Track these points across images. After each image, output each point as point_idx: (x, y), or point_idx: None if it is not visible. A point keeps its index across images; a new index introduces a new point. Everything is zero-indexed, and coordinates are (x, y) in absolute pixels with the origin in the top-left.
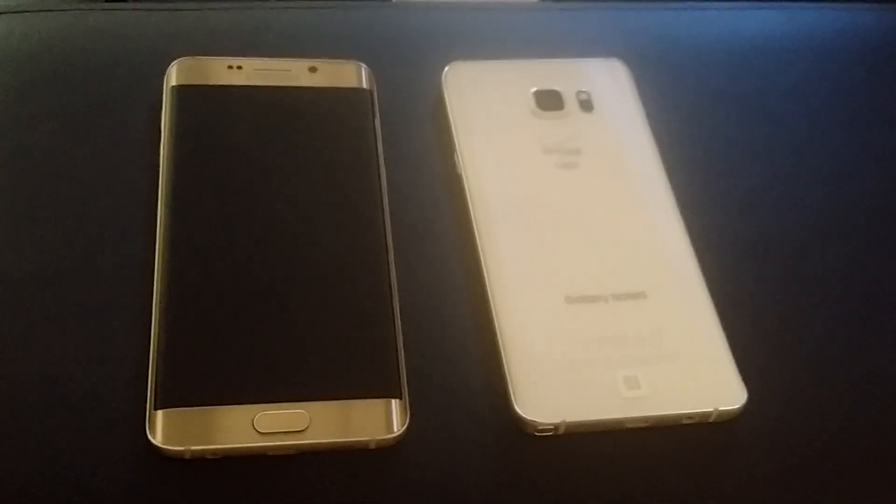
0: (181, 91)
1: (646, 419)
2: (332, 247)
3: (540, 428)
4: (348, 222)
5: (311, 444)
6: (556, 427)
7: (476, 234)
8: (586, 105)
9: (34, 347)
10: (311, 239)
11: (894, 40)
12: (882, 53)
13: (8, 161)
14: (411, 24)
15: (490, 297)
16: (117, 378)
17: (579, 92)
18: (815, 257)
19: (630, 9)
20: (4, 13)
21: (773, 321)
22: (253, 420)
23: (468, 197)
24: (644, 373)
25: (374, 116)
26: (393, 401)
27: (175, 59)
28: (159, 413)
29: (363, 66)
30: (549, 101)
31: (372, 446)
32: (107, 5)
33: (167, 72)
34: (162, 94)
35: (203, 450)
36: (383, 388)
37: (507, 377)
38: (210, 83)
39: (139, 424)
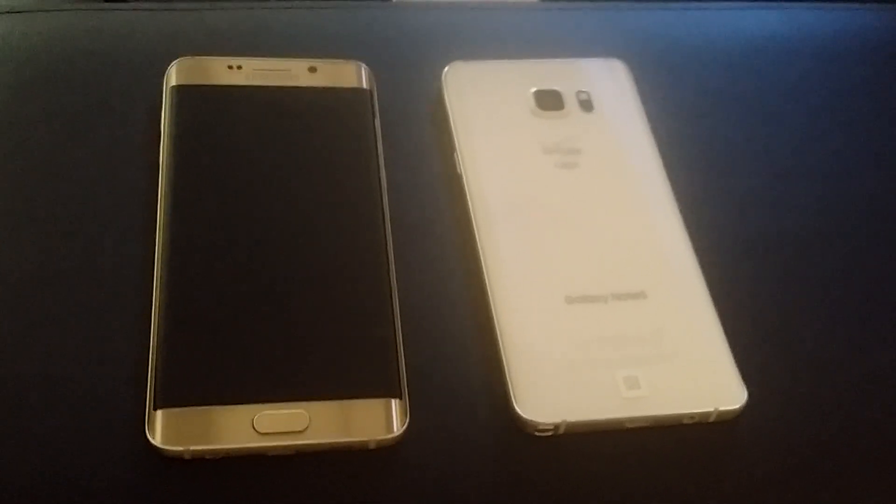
0: (181, 91)
1: (646, 419)
2: (332, 247)
3: (540, 428)
4: (348, 222)
5: (310, 444)
6: (556, 427)
7: (476, 234)
8: (586, 105)
9: (34, 347)
10: (310, 239)
11: (894, 40)
12: (882, 53)
13: (8, 161)
14: (411, 24)
15: (490, 297)
16: (117, 378)
17: (579, 92)
18: (815, 257)
19: (630, 9)
20: (4, 13)
21: (773, 321)
22: (252, 420)
23: (468, 197)
24: (644, 373)
25: (373, 116)
26: (393, 401)
27: (175, 58)
28: (159, 413)
29: (363, 65)
30: (549, 100)
31: (372, 446)
32: (106, 5)
33: (167, 72)
34: (162, 93)
35: (203, 450)
36: (383, 388)
37: (507, 377)
38: (210, 83)
39: (139, 424)
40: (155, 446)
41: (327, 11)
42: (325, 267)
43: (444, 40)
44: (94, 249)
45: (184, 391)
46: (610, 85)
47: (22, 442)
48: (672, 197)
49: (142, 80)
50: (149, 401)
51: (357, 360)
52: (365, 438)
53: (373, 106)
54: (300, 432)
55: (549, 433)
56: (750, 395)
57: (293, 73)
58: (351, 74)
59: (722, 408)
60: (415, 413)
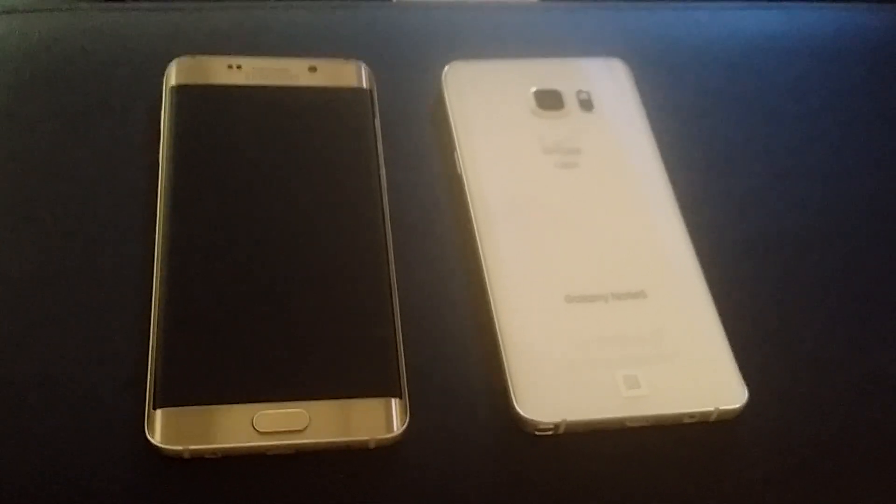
0: (181, 91)
1: (646, 418)
2: (332, 246)
3: (540, 427)
4: (348, 222)
5: (310, 443)
6: (557, 426)
7: (476, 234)
8: (586, 105)
9: (34, 347)
10: (310, 238)
11: (894, 40)
12: (882, 53)
13: (8, 161)
14: (411, 24)
15: (490, 296)
16: (117, 378)
17: (579, 91)
18: (815, 257)
19: (630, 8)
20: (3, 13)
21: (773, 321)
22: (252, 419)
23: (468, 196)
24: (644, 372)
25: (373, 116)
26: (393, 400)
27: (174, 58)
28: (158, 412)
29: (363, 65)
30: (549, 100)
31: (371, 446)
32: (106, 5)
33: (167, 71)
34: (161, 93)
35: (202, 449)
36: (383, 388)
37: (507, 376)
38: (210, 83)
39: (138, 424)
40: (155, 446)
41: (327, 11)
42: (324, 266)
43: (444, 40)
44: (94, 249)
45: (183, 390)
46: (610, 85)
47: (22, 442)
48: (672, 196)
49: (141, 80)
50: (148, 400)
51: (357, 360)
52: (365, 438)
53: (373, 106)
54: (300, 432)
55: (550, 433)
56: (750, 394)
57: (293, 72)
58: (351, 74)
59: (722, 407)
60: (415, 412)
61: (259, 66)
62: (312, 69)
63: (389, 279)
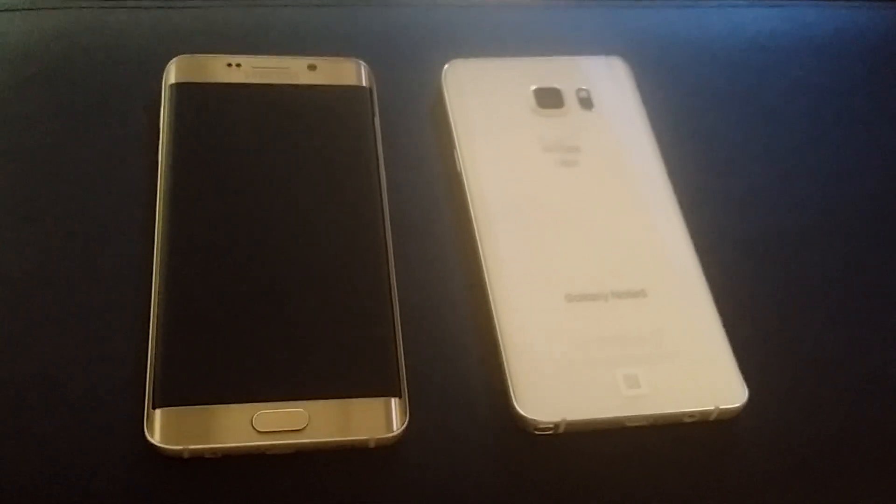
0: (180, 89)
1: (646, 418)
2: (332, 245)
3: (540, 427)
4: (348, 221)
5: (310, 443)
6: (556, 426)
7: (476, 233)
8: (586, 103)
9: (34, 347)
10: (310, 237)
11: (894, 39)
12: (882, 52)
13: (7, 160)
14: (411, 22)
15: (490, 296)
16: (116, 378)
17: (579, 90)
18: (815, 256)
19: (630, 7)
20: (3, 11)
21: (773, 320)
22: (252, 419)
23: (468, 195)
24: (644, 371)
25: (373, 114)
26: (392, 400)
27: (174, 56)
28: (158, 412)
29: (362, 63)
30: (548, 98)
31: (371, 445)
32: (105, 3)
33: (166, 70)
34: (161, 91)
35: (202, 449)
36: (383, 387)
37: (507, 376)
38: (209, 81)
39: (138, 424)
40: (154, 445)
41: (327, 9)
42: (324, 265)
43: (443, 38)
44: (94, 249)
45: (183, 390)
46: (610, 83)
47: (22, 442)
48: (672, 195)
49: (141, 78)
50: (148, 400)
51: (357, 359)
52: (364, 437)
53: (372, 104)
54: (299, 431)
55: (549, 432)
56: (750, 394)
57: (292, 70)
58: (350, 72)
59: (722, 406)
60: (414, 412)
61: (258, 64)
62: (312, 67)
63: (389, 278)
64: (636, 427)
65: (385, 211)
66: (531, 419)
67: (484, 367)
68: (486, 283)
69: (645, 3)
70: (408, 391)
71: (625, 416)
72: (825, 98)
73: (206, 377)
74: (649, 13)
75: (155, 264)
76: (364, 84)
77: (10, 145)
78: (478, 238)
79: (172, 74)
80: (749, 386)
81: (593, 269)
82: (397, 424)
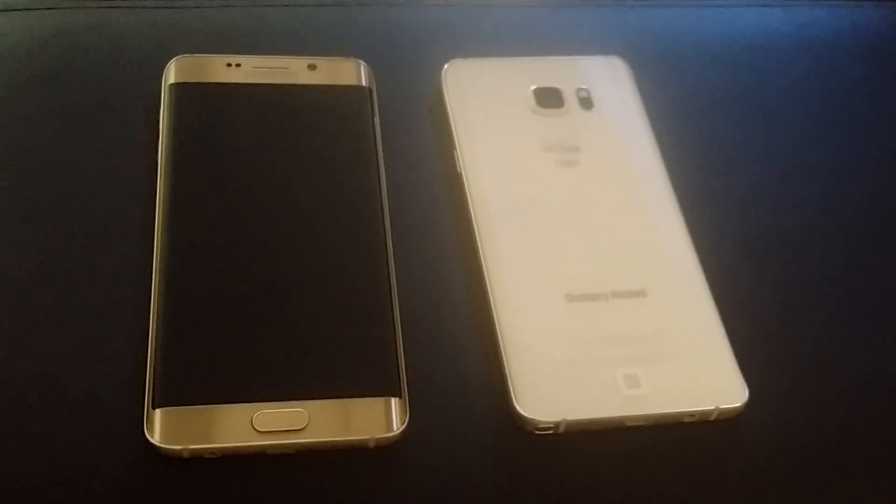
0: (180, 89)
1: (646, 417)
2: (332, 245)
3: (540, 426)
4: (347, 221)
5: (310, 442)
6: (557, 426)
7: (476, 233)
8: (586, 103)
9: (34, 347)
10: (310, 237)
11: (894, 38)
12: (882, 51)
13: (7, 160)
14: (411, 22)
15: (490, 295)
16: (116, 378)
17: (579, 89)
18: (815, 256)
19: (630, 6)
20: (2, 11)
21: (773, 320)
22: (252, 419)
23: (468, 195)
24: (644, 371)
25: (373, 114)
26: (392, 399)
27: (174, 56)
28: (157, 412)
29: (362, 63)
30: (548, 98)
31: (371, 445)
32: (105, 3)
33: (166, 69)
34: (161, 91)
35: (201, 449)
36: (383, 387)
37: (507, 376)
38: (209, 81)
39: (138, 424)
40: (154, 445)
41: (327, 9)
42: (324, 265)
43: (443, 38)
44: (94, 249)
45: (183, 390)
46: (610, 83)
47: (22, 442)
48: (672, 195)
49: (141, 78)
50: (147, 400)
51: (356, 359)
52: (364, 437)
53: (372, 104)
54: (299, 431)
55: (550, 432)
56: (750, 393)
57: (292, 70)
58: (350, 72)
59: (723, 406)
60: (414, 412)
61: (258, 64)
62: (312, 67)
63: (389, 278)
64: (636, 427)
65: (385, 211)
66: (531, 419)
67: (484, 367)
68: (486, 282)
69: (645, 2)
70: (408, 391)
71: (625, 416)
72: (825, 98)
73: (205, 377)
74: (649, 13)
75: (155, 264)
76: (364, 84)
77: (10, 145)
78: (478, 238)
79: (172, 74)
80: (749, 386)
81: (593, 268)
82: (397, 424)
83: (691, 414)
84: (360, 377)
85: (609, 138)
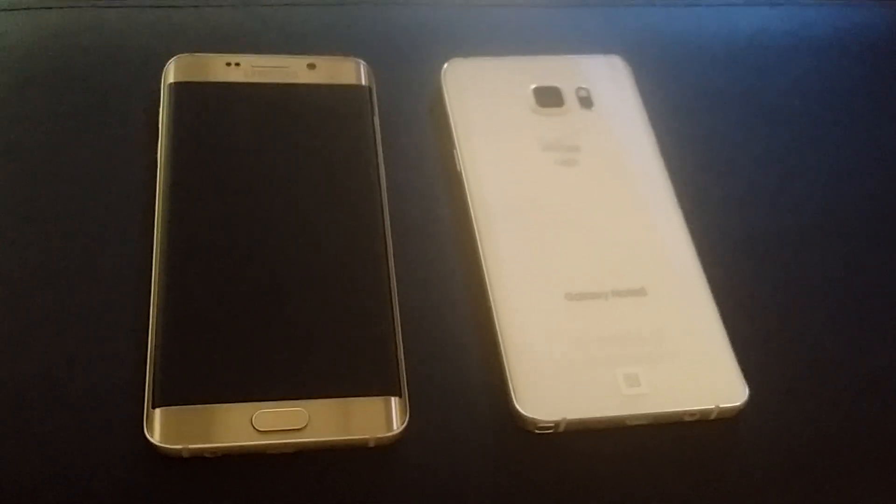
0: (179, 88)
1: (646, 417)
2: (331, 245)
3: (540, 426)
4: (347, 220)
5: (310, 442)
6: (557, 425)
7: (476, 232)
8: (586, 102)
9: (34, 347)
10: (309, 237)
11: (894, 38)
12: (882, 50)
13: (6, 159)
14: (410, 21)
15: (490, 295)
16: (116, 378)
17: (579, 88)
18: (815, 256)
19: (630, 5)
20: (2, 10)
21: (773, 320)
22: (252, 418)
23: (468, 194)
24: (644, 370)
25: (373, 114)
26: (392, 399)
27: (173, 55)
28: (157, 411)
29: (362, 62)
30: (548, 97)
31: (371, 444)
32: (104, 2)
33: (165, 69)
34: (160, 91)
35: (201, 448)
36: (383, 386)
37: (507, 375)
38: (208, 80)
39: (138, 423)
40: (154, 445)
41: (327, 9)
42: (324, 264)
43: (443, 37)
44: (94, 249)
45: (182, 389)
46: (609, 82)
47: (22, 442)
48: (672, 194)
49: (140, 78)
50: (147, 399)
51: (356, 359)
52: (364, 437)
53: (372, 103)
54: (299, 430)
55: (550, 431)
56: (751, 392)
57: (292, 70)
58: (350, 71)
59: (723, 405)
60: (414, 411)
61: (258, 63)
62: (311, 66)
63: (389, 277)
64: (636, 426)
65: (385, 210)
66: (531, 418)
67: (484, 367)
68: (486, 282)
69: (645, 2)
70: (408, 391)
71: (625, 415)
72: (825, 97)
73: (205, 377)
74: (649, 13)
75: (154, 264)
76: (364, 83)
77: (9, 144)
78: (478, 237)
79: (172, 74)
80: (749, 385)
81: (593, 268)
82: (397, 424)
83: (691, 413)
84: (360, 377)
85: (609, 137)
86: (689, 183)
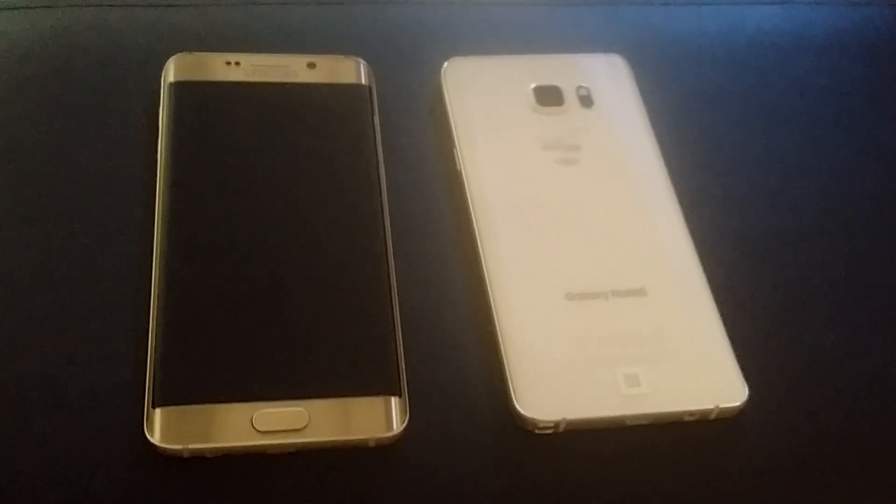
0: (179, 87)
1: (646, 417)
2: (331, 244)
3: (540, 426)
4: (347, 220)
5: (310, 442)
6: (557, 425)
7: (475, 231)
8: (586, 101)
9: (34, 347)
10: (309, 236)
11: (894, 38)
12: (882, 49)
13: (6, 159)
14: (410, 20)
15: (490, 294)
16: (116, 378)
17: (579, 87)
18: (815, 256)
19: (630, 4)
20: (2, 10)
21: (773, 320)
22: (252, 418)
23: (468, 193)
24: (644, 370)
25: (372, 113)
26: (392, 399)
27: (173, 55)
28: (157, 411)
29: (362, 62)
30: (548, 96)
31: (371, 444)
32: (105, 2)
33: (165, 68)
34: (160, 90)
35: (201, 448)
36: (383, 386)
37: (507, 375)
38: (208, 79)
39: (138, 423)
40: (154, 445)
41: (327, 8)
42: (324, 264)
43: (443, 36)
44: (94, 249)
45: (183, 389)
46: (610, 80)
47: (22, 442)
48: (672, 193)
49: (140, 77)
50: (147, 399)
51: (356, 359)
52: (364, 437)
53: (372, 102)
54: (299, 430)
55: (550, 431)
56: (750, 392)
57: (292, 69)
58: (350, 71)
59: (723, 405)
60: (414, 411)
61: (258, 62)
62: (311, 66)
63: (389, 277)
64: (636, 426)
65: (385, 210)
66: (531, 418)
67: (484, 367)
68: (486, 282)
69: (645, 1)
70: (408, 391)
71: (625, 415)
72: (825, 98)
73: (205, 376)
74: (649, 12)
75: (155, 264)
76: (363, 82)
77: (10, 145)
78: (478, 237)
79: (171, 73)
80: (749, 385)
81: (593, 267)
82: (397, 424)
83: (691, 413)
84: (360, 376)
85: (609, 136)
86: (689, 183)
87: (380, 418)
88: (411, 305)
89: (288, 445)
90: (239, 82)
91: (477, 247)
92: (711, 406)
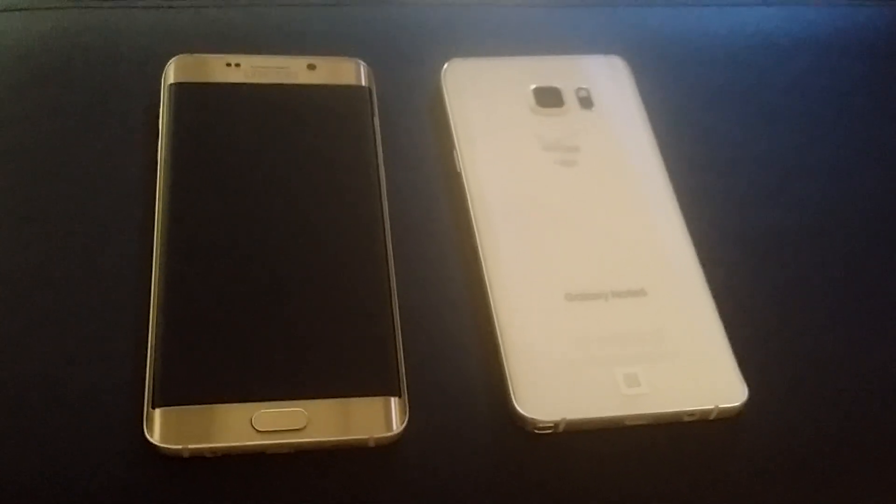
0: (179, 89)
1: (646, 417)
2: (331, 245)
3: (540, 426)
4: (347, 220)
5: (309, 442)
6: (556, 425)
7: (475, 232)
8: (586, 102)
9: (34, 347)
10: (309, 237)
11: (894, 38)
12: (882, 50)
13: (6, 160)
14: (410, 21)
15: (490, 295)
16: (116, 378)
17: (579, 89)
18: (815, 255)
19: (630, 5)
20: (3, 11)
21: (773, 320)
22: (251, 418)
23: (467, 194)
24: (644, 370)
25: (372, 114)
26: (392, 399)
27: (173, 56)
28: (157, 411)
29: (362, 63)
30: (548, 98)
31: (371, 445)
32: (105, 3)
33: (165, 69)
34: (160, 91)
35: (201, 448)
36: (382, 386)
37: (507, 375)
38: (208, 81)
39: (138, 423)
40: (154, 445)
41: (326, 9)
42: (323, 265)
43: (442, 37)
44: (94, 249)
45: (182, 389)
46: (609, 82)
47: (22, 442)
48: (672, 194)
49: (140, 78)
50: (147, 399)
51: (356, 359)
52: (364, 437)
53: (372, 103)
54: (299, 430)
55: (549, 431)
56: (750, 392)
57: (292, 70)
58: (350, 72)
59: (723, 405)
60: (414, 411)
61: (258, 64)
62: (311, 67)
63: (389, 278)
64: (636, 426)
65: (385, 211)
66: (531, 418)
67: (484, 367)
68: (485, 282)
69: (645, 2)
70: (408, 391)
71: (625, 415)
72: (825, 98)
73: (205, 377)
74: (649, 13)
75: (154, 264)
76: (363, 84)
77: (10, 145)
78: (477, 237)
79: (172, 74)
80: (749, 385)
81: (593, 268)
82: (397, 424)
83: (691, 413)
84: (360, 377)
85: (609, 138)
86: (689, 183)
87: (379, 418)
88: (411, 306)
89: (287, 445)
90: (239, 84)
91: (477, 247)
92: (711, 406)
